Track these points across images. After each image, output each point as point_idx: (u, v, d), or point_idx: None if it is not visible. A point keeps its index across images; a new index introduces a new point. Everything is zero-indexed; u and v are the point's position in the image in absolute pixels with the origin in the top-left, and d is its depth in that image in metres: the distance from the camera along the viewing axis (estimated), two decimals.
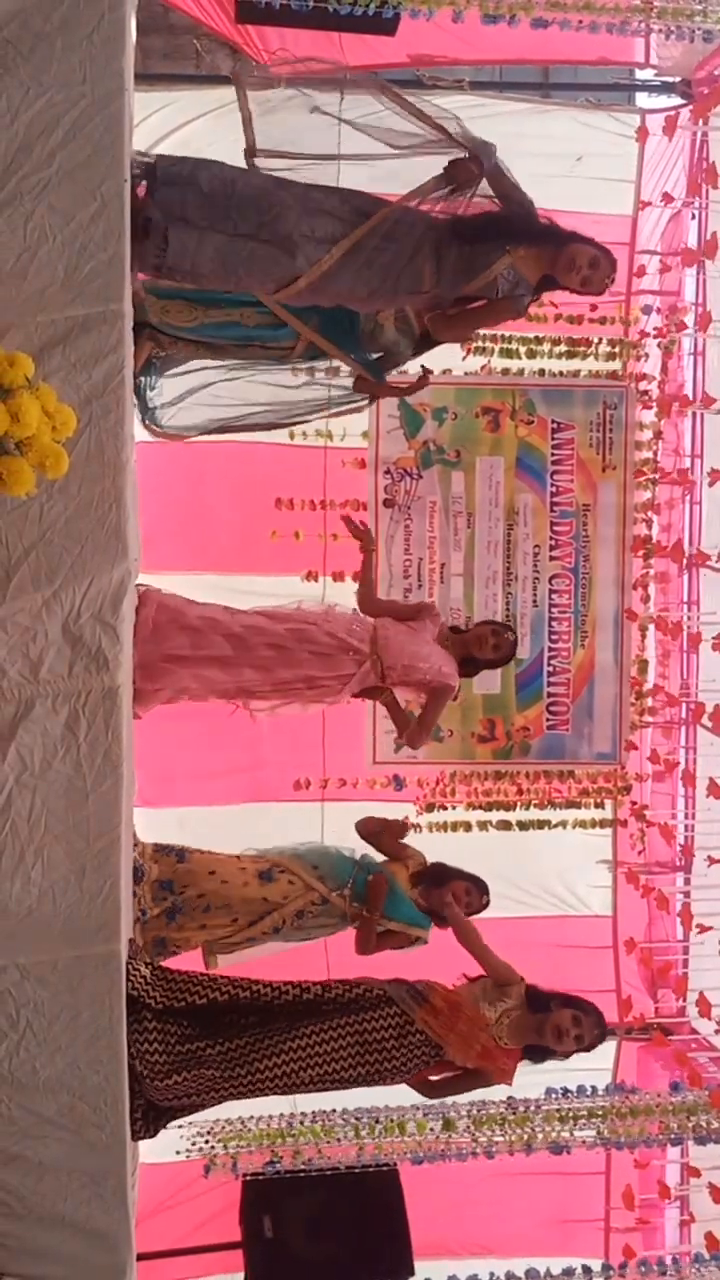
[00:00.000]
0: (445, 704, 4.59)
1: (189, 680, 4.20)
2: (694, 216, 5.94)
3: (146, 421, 4.36)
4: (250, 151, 4.09)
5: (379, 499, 6.13)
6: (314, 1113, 4.17)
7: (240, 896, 4.19)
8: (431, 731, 4.64)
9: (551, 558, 6.24)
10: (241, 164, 4.08)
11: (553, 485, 6.23)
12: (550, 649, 6.25)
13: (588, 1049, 4.04)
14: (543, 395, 6.20)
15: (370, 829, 4.50)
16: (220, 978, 3.95)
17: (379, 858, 4.48)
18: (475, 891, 4.40)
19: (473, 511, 6.19)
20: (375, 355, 4.37)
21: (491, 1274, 4.07)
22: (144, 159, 3.83)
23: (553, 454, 6.22)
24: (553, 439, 6.22)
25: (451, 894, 4.32)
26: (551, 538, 6.24)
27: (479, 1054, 3.91)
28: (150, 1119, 3.86)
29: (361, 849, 4.48)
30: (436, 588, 6.16)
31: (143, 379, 4.21)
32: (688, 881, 6.11)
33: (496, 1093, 4.21)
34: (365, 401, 4.69)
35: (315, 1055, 3.81)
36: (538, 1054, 4.00)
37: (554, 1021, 3.93)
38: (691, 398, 6.03)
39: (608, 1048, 5.98)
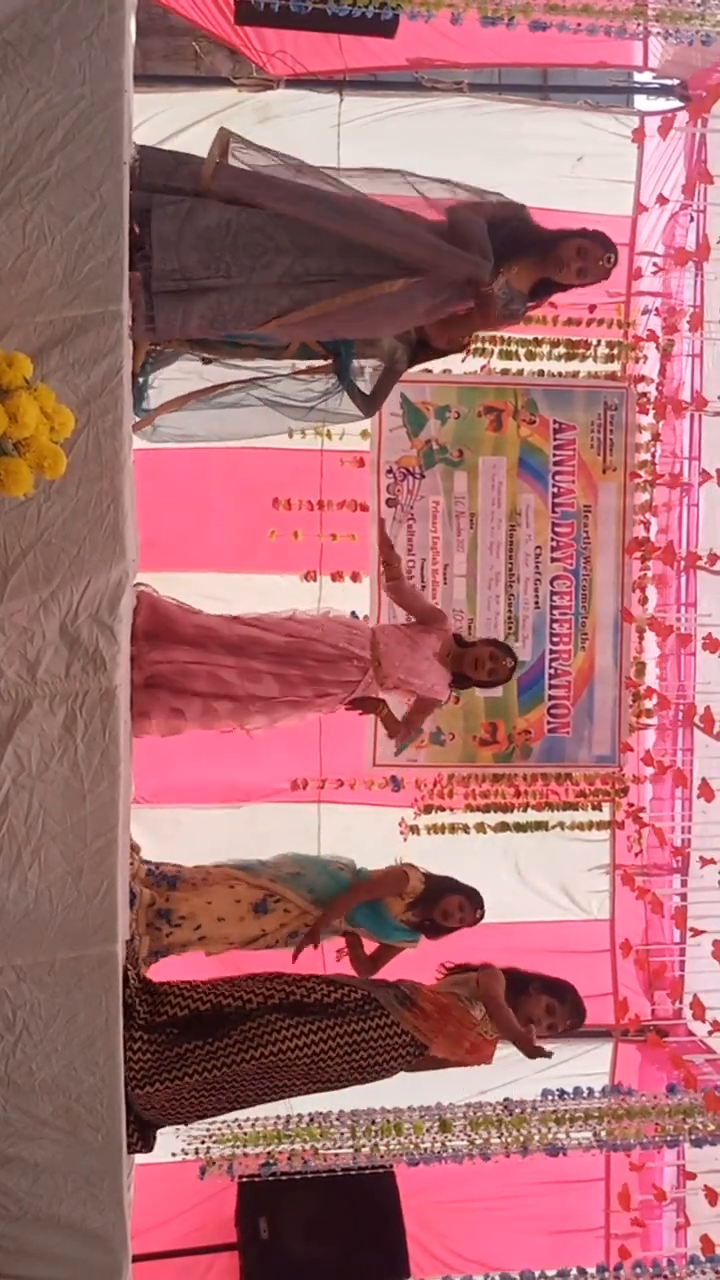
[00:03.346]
0: (430, 713, 4.78)
1: (187, 680, 4.21)
2: (692, 218, 5.94)
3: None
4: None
5: (381, 498, 6.09)
6: (310, 1114, 4.18)
7: (238, 933, 4.24)
8: (413, 731, 4.85)
9: (553, 559, 6.20)
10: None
11: (554, 486, 6.20)
12: (551, 651, 6.22)
13: (560, 1036, 4.05)
14: (544, 395, 6.16)
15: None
16: (201, 985, 3.95)
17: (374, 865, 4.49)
18: (468, 905, 4.36)
19: (475, 512, 6.16)
20: (375, 364, 4.35)
21: (487, 1276, 4.07)
22: (140, 190, 3.61)
23: (554, 454, 6.19)
24: (554, 439, 6.18)
25: (444, 910, 4.30)
26: (553, 539, 6.20)
27: (466, 1050, 3.92)
28: (144, 1130, 3.86)
29: (360, 856, 4.49)
30: (439, 589, 6.13)
31: (140, 379, 4.20)
32: (684, 884, 6.11)
33: (494, 1094, 4.22)
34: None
35: (300, 1052, 3.80)
36: None
37: (527, 1009, 3.93)
38: (688, 400, 6.02)
39: (605, 1050, 6.00)
